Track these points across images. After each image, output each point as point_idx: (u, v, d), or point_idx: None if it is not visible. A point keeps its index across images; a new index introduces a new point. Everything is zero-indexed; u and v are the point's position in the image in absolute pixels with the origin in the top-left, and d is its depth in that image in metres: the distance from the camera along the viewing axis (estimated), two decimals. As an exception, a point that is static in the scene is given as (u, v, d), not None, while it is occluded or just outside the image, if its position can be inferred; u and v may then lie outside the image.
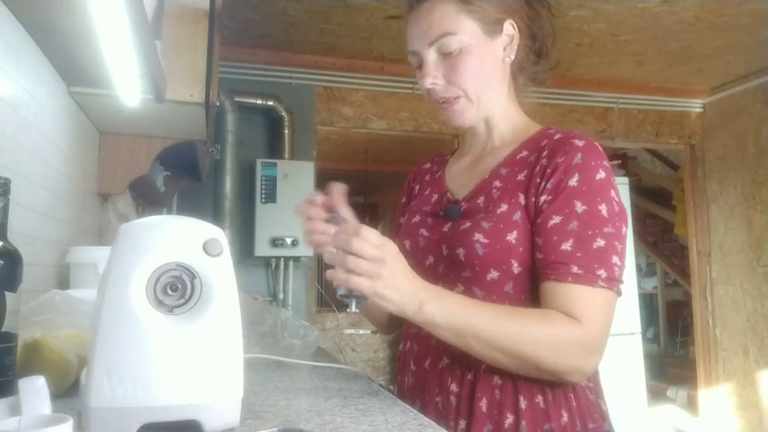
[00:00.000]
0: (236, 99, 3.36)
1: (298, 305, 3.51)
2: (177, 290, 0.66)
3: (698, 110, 4.28)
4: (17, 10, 1.17)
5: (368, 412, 0.79)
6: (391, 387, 1.10)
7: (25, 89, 1.28)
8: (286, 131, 3.50)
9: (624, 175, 4.16)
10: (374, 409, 0.82)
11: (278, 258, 3.47)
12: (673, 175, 5.67)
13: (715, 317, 4.15)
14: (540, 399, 0.88)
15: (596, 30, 3.22)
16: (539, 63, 1.03)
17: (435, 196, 1.05)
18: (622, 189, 3.58)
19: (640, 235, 5.72)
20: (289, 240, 3.34)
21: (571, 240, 0.86)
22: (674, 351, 6.35)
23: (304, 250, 3.39)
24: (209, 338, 0.66)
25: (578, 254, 0.85)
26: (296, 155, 3.52)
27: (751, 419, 3.83)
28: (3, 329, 0.73)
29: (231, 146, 3.32)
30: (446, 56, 0.95)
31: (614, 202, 0.88)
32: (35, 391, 0.59)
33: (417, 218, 1.05)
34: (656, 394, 5.15)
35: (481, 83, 0.96)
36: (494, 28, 0.95)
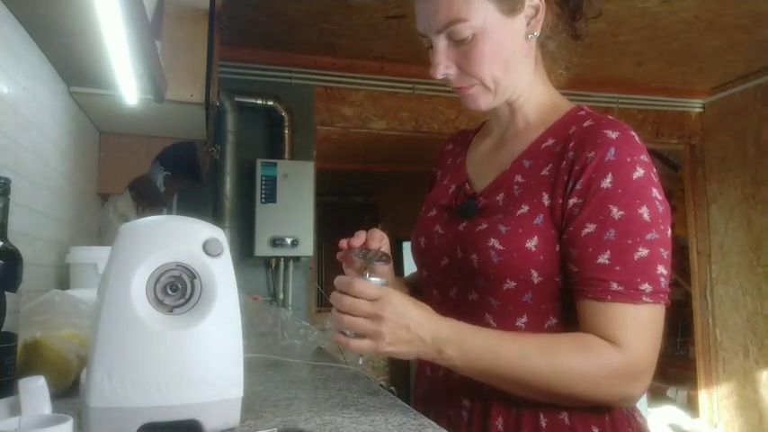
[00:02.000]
0: (236, 99, 3.36)
1: (298, 305, 3.51)
2: (177, 290, 0.66)
3: (698, 110, 4.28)
4: (17, 10, 1.17)
5: (368, 412, 0.79)
6: (392, 388, 1.09)
7: (25, 89, 1.28)
8: (286, 131, 3.50)
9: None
10: (374, 409, 0.81)
11: (278, 258, 3.47)
12: (673, 175, 5.67)
13: (715, 317, 4.15)
14: (564, 415, 0.80)
15: (596, 30, 3.22)
16: (576, 20, 0.89)
17: (453, 187, 0.95)
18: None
19: (640, 235, 5.71)
20: (289, 240, 3.34)
21: (608, 252, 0.76)
22: (674, 351, 6.35)
23: (304, 250, 3.39)
24: (209, 338, 0.66)
25: (617, 267, 0.75)
26: (296, 155, 3.51)
27: (751, 419, 3.83)
28: (3, 329, 0.73)
29: (231, 146, 3.32)
30: (458, 42, 0.83)
31: (657, 203, 0.78)
32: (35, 391, 0.59)
33: (434, 212, 0.96)
34: (655, 394, 5.15)
35: (499, 69, 0.85)
36: (513, 5, 0.83)
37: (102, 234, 2.06)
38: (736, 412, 3.95)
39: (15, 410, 0.58)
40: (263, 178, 3.38)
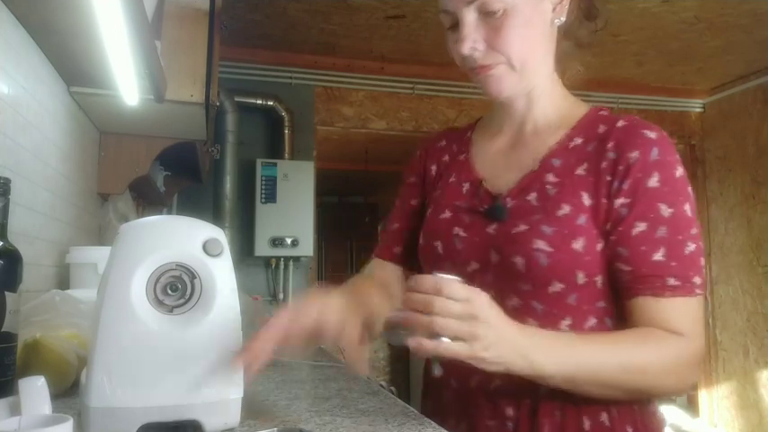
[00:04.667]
0: (236, 99, 3.36)
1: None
2: (177, 290, 0.66)
3: (698, 110, 4.28)
4: (17, 10, 1.17)
5: (368, 412, 0.79)
6: (392, 388, 1.08)
7: (25, 89, 1.28)
8: (286, 131, 3.50)
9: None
10: (374, 409, 0.81)
11: (278, 258, 3.46)
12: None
13: (715, 317, 4.15)
14: (604, 416, 0.80)
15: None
16: (585, 24, 0.89)
17: (467, 186, 0.91)
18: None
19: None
20: (289, 240, 3.34)
21: (663, 249, 0.77)
22: (674, 351, 6.35)
23: (304, 250, 3.39)
24: (209, 338, 0.66)
25: (673, 263, 0.77)
26: (296, 155, 3.51)
27: (751, 419, 3.83)
28: (3, 329, 0.73)
29: (231, 146, 3.32)
30: (488, 16, 0.81)
31: (692, 199, 0.80)
32: (35, 391, 0.59)
33: (448, 213, 0.91)
34: (656, 394, 5.14)
35: (528, 49, 0.83)
36: None
37: (102, 234, 2.06)
38: (737, 412, 3.95)
39: (15, 410, 0.58)
40: (263, 178, 3.38)
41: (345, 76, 3.68)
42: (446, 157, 1.00)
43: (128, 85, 1.43)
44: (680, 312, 0.76)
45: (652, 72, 3.87)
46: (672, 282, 0.76)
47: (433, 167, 1.00)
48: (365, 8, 2.98)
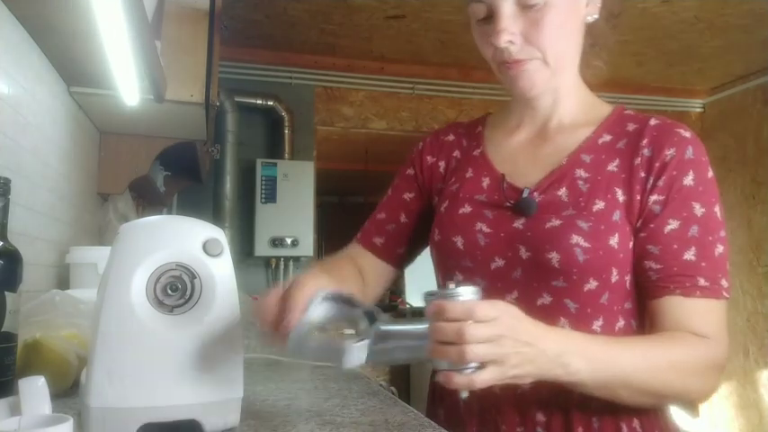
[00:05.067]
0: (236, 99, 3.36)
1: (298, 305, 3.51)
2: (177, 290, 0.66)
3: (698, 110, 4.28)
4: (17, 10, 1.17)
5: (368, 412, 0.79)
6: (392, 388, 1.08)
7: (25, 89, 1.28)
8: (286, 131, 3.50)
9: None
10: (374, 409, 0.81)
11: (278, 258, 3.46)
12: (673, 175, 5.67)
13: (715, 317, 4.15)
14: (636, 422, 0.79)
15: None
16: (611, 21, 0.88)
17: (487, 181, 0.89)
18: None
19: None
20: (289, 240, 3.34)
21: (694, 248, 0.76)
22: (674, 351, 6.35)
23: (304, 250, 3.39)
24: (209, 338, 0.66)
25: (703, 263, 0.76)
26: (296, 155, 3.51)
27: (751, 419, 3.83)
28: (3, 329, 0.73)
29: (231, 146, 3.32)
30: (526, 8, 0.78)
31: (720, 202, 0.80)
32: (35, 391, 0.59)
33: (468, 208, 0.87)
34: (656, 394, 5.15)
35: (563, 45, 0.82)
36: None
37: (102, 234, 2.06)
38: (737, 412, 3.95)
39: (15, 410, 0.58)
40: (263, 178, 3.38)
41: (345, 76, 3.67)
42: (457, 153, 0.97)
43: (128, 85, 1.43)
44: (707, 315, 0.75)
45: (652, 72, 3.87)
46: (702, 282, 0.75)
47: (442, 163, 0.97)
48: (365, 8, 2.98)
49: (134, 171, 2.00)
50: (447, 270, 0.89)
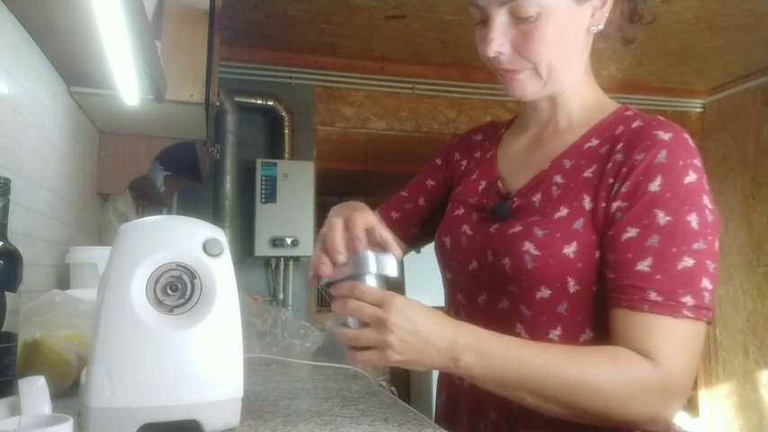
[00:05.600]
0: (236, 99, 3.36)
1: (298, 305, 3.51)
2: (177, 290, 0.66)
3: (698, 110, 4.28)
4: (17, 10, 1.17)
5: (368, 412, 0.79)
6: (392, 388, 1.08)
7: (25, 89, 1.28)
8: (286, 131, 3.50)
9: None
10: (374, 409, 0.81)
11: (278, 258, 3.47)
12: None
13: (715, 317, 4.15)
14: None
15: (596, 30, 3.22)
16: (633, 22, 0.85)
17: (483, 184, 0.89)
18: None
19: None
20: (289, 240, 3.34)
21: (649, 259, 0.70)
22: (674, 351, 6.35)
23: (304, 250, 3.39)
24: (209, 338, 0.66)
25: (658, 276, 0.69)
26: (296, 155, 3.51)
27: (751, 419, 3.83)
28: (3, 329, 0.73)
29: (231, 146, 3.32)
30: (519, 20, 0.76)
31: (707, 211, 0.72)
32: (35, 391, 0.59)
33: (461, 210, 0.89)
34: (656, 394, 5.14)
35: (557, 57, 0.79)
36: None
37: (102, 234, 2.06)
38: (736, 412, 3.95)
39: (15, 410, 0.58)
40: (263, 178, 3.38)
41: (345, 76, 3.68)
42: (478, 153, 0.97)
43: (128, 85, 1.43)
44: (658, 333, 0.68)
45: (652, 72, 3.87)
46: (653, 296, 0.69)
47: (464, 162, 0.98)
48: (365, 8, 2.98)
49: (134, 171, 2.00)
50: (442, 268, 0.92)
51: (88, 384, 0.62)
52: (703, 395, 4.20)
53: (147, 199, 2.68)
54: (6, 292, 0.74)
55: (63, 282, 1.54)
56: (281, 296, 3.48)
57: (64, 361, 0.84)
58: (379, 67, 3.68)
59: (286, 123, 3.49)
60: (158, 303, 0.65)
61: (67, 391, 0.84)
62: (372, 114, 3.75)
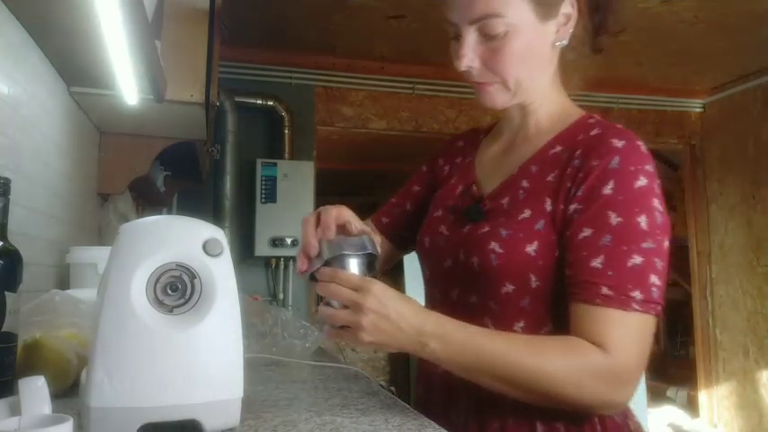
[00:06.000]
0: (236, 99, 3.36)
1: (298, 305, 3.51)
2: (177, 290, 0.66)
3: (698, 110, 4.28)
4: (17, 10, 1.17)
5: (368, 412, 0.79)
6: (392, 388, 1.08)
7: (25, 89, 1.28)
8: (286, 131, 3.50)
9: (624, 175, 4.15)
10: (374, 409, 0.81)
11: (278, 258, 3.46)
12: (672, 175, 5.67)
13: (715, 317, 4.15)
14: (560, 425, 0.80)
15: (596, 30, 3.22)
16: (600, 34, 0.91)
17: (461, 188, 0.96)
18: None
19: (640, 235, 5.70)
20: (289, 240, 3.34)
21: (602, 257, 0.76)
22: (674, 351, 6.35)
23: (304, 250, 3.39)
24: (209, 338, 0.66)
25: (609, 272, 0.75)
26: (296, 155, 3.51)
27: (751, 419, 3.83)
28: (3, 329, 0.73)
29: (231, 146, 3.32)
30: (488, 37, 0.83)
31: (657, 213, 0.78)
32: (35, 391, 0.59)
33: (440, 212, 0.96)
34: (655, 394, 5.15)
35: (523, 72, 0.85)
36: (548, 10, 0.83)
37: (102, 234, 2.06)
38: (736, 412, 3.95)
39: (15, 410, 0.58)
40: (263, 178, 3.38)
41: (345, 76, 3.67)
42: (459, 159, 1.04)
43: (128, 85, 1.43)
44: (610, 324, 0.74)
45: (652, 72, 3.87)
46: (605, 291, 0.74)
47: (447, 167, 1.05)
48: (365, 8, 2.98)
49: (134, 171, 2.01)
50: (422, 266, 0.99)
51: (88, 384, 0.62)
52: (703, 395, 4.20)
53: (147, 199, 2.68)
54: (6, 292, 0.74)
55: (63, 282, 1.54)
56: (281, 296, 3.48)
57: (64, 361, 0.84)
58: (379, 67, 3.68)
59: (286, 123, 3.49)
60: (158, 303, 0.65)
61: (67, 391, 0.84)
62: (372, 114, 3.75)
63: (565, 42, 0.87)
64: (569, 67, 0.92)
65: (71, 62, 1.44)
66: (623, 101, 4.10)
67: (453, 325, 0.76)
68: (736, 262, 3.99)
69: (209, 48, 1.65)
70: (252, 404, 0.81)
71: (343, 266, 0.77)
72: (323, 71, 3.64)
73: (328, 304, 0.77)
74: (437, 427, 0.72)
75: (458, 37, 0.85)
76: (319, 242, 0.79)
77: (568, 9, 0.85)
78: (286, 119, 3.49)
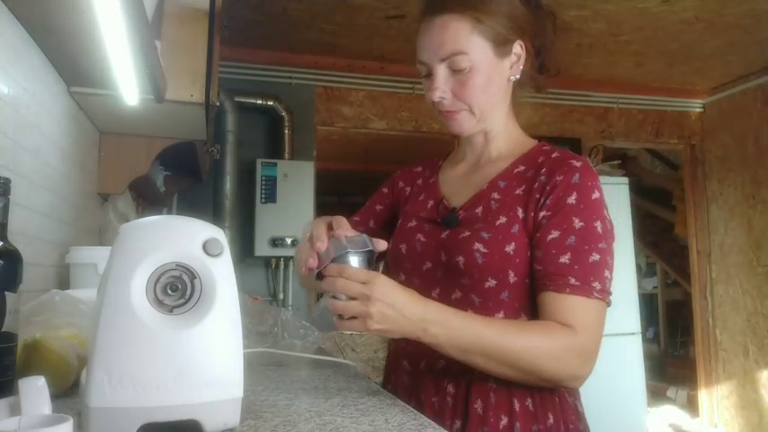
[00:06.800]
0: (236, 99, 3.36)
1: (298, 305, 3.51)
2: (177, 290, 0.66)
3: (698, 110, 4.28)
4: (17, 10, 1.17)
5: (368, 412, 0.79)
6: (389, 387, 1.09)
7: (25, 89, 1.28)
8: (286, 131, 3.50)
9: (624, 176, 4.16)
10: (374, 409, 0.82)
11: (278, 258, 3.47)
12: (673, 175, 5.67)
13: (715, 317, 4.15)
14: (529, 401, 0.93)
15: (596, 30, 3.22)
16: (542, 74, 1.07)
17: (431, 202, 1.09)
18: (622, 189, 3.60)
19: (640, 235, 5.72)
20: (289, 240, 3.34)
21: (569, 254, 0.91)
22: (674, 351, 6.36)
23: (304, 250, 3.39)
24: (209, 338, 0.66)
25: (576, 266, 0.90)
26: (296, 155, 3.52)
27: (751, 419, 3.83)
28: (3, 329, 0.73)
29: (231, 146, 3.32)
30: (456, 72, 0.98)
31: (607, 221, 0.95)
32: (35, 391, 0.59)
33: (414, 222, 1.08)
34: (656, 394, 5.15)
35: (486, 100, 1.00)
36: (503, 49, 0.99)
37: (102, 234, 2.06)
38: (736, 412, 3.95)
39: (15, 410, 0.58)
40: (263, 178, 3.38)
41: (345, 76, 3.68)
42: (420, 181, 1.18)
43: (128, 85, 1.43)
44: (576, 309, 0.89)
45: (652, 72, 3.87)
46: (572, 281, 0.89)
47: (408, 189, 1.19)
48: (365, 8, 2.98)
49: (134, 171, 2.01)
50: (395, 271, 1.08)
51: (88, 384, 0.62)
52: (703, 395, 4.20)
53: (147, 199, 2.68)
54: (6, 292, 0.74)
55: (63, 282, 1.54)
56: (281, 296, 3.48)
57: (64, 361, 0.84)
58: (379, 67, 3.68)
59: (286, 123, 3.50)
60: (158, 303, 0.65)
61: (67, 391, 0.84)
62: (372, 114, 3.75)
63: (518, 77, 1.02)
64: (520, 102, 1.09)
65: (71, 62, 1.44)
66: (623, 101, 4.10)
67: (451, 312, 0.87)
68: (736, 262, 3.99)
69: (209, 48, 1.65)
70: (252, 404, 0.82)
71: (347, 263, 0.85)
72: (323, 71, 3.64)
73: (334, 297, 0.84)
74: (437, 427, 0.72)
75: (429, 75, 1.00)
76: None
77: (518, 49, 1.01)
78: (286, 119, 3.49)
